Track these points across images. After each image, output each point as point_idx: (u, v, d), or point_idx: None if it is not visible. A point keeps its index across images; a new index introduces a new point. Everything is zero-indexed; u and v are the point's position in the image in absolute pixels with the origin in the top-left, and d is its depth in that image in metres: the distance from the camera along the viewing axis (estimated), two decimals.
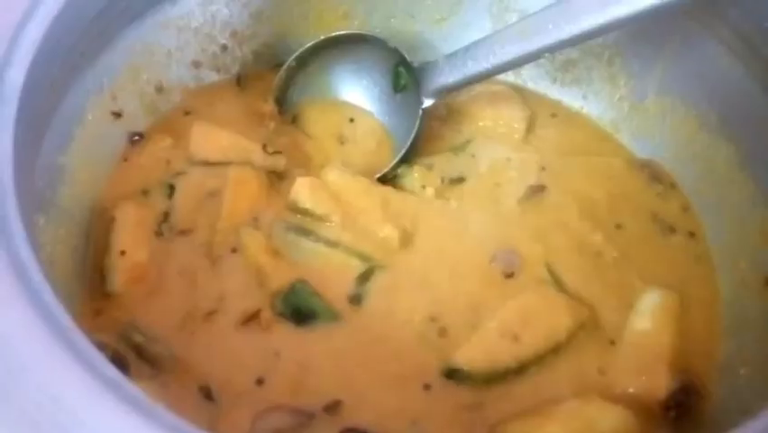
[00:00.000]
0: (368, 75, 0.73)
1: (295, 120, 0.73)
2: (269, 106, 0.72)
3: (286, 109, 0.73)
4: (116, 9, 0.62)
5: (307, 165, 0.69)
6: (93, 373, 0.34)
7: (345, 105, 0.74)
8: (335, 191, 0.63)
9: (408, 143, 0.68)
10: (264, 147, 0.67)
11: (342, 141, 0.72)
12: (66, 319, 0.36)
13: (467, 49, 0.65)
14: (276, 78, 0.72)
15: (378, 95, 0.73)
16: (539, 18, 0.59)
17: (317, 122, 0.73)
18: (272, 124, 0.72)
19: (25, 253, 0.39)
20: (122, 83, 0.66)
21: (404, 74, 0.70)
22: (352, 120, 0.73)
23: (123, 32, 0.65)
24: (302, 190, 0.62)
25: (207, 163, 0.65)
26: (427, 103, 0.68)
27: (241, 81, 0.75)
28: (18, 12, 0.50)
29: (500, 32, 0.63)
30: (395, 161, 0.67)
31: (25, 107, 0.47)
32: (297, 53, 0.71)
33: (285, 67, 0.72)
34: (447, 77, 0.66)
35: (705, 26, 0.63)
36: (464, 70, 0.65)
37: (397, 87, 0.71)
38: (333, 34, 0.71)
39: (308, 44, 0.71)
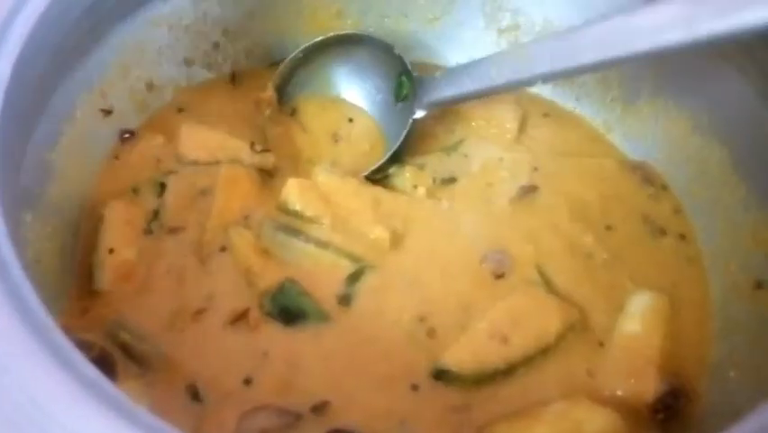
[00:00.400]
0: (372, 79, 0.73)
1: (294, 112, 0.73)
2: (269, 93, 0.72)
3: (285, 101, 0.73)
4: (106, 5, 0.61)
5: (297, 158, 0.69)
6: (73, 374, 0.33)
7: (346, 104, 0.74)
8: (325, 192, 0.62)
9: (393, 150, 0.68)
10: (252, 145, 0.67)
11: (336, 139, 0.72)
12: (46, 319, 0.35)
13: (465, 67, 0.66)
14: (280, 66, 0.72)
15: (380, 100, 0.73)
16: (539, 47, 0.59)
17: (316, 117, 0.73)
18: (268, 111, 0.72)
19: (7, 250, 0.39)
20: (112, 80, 0.66)
21: (406, 84, 0.70)
22: (350, 120, 0.73)
23: (114, 29, 0.65)
24: (292, 192, 0.62)
25: (197, 163, 0.65)
26: (419, 114, 0.68)
27: (235, 79, 0.75)
28: (5, 6, 0.50)
29: (499, 55, 0.63)
30: (378, 164, 0.67)
31: (11, 103, 0.47)
32: (304, 46, 0.72)
33: (291, 57, 0.72)
34: (443, 92, 0.67)
35: None
36: (460, 88, 0.65)
37: (398, 96, 0.70)
38: (343, 33, 0.72)
39: (317, 39, 0.72)
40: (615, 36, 0.51)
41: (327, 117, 0.73)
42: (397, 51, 0.69)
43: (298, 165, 0.68)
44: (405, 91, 0.70)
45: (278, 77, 0.72)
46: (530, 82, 0.60)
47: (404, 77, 0.70)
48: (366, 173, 0.67)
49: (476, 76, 0.63)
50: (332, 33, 0.72)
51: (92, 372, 0.34)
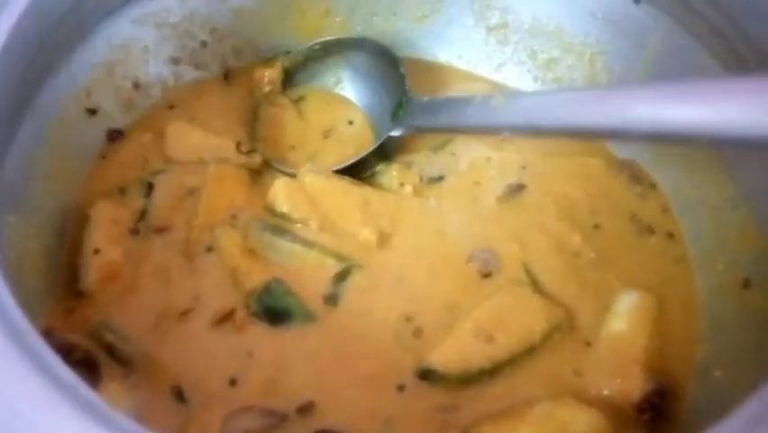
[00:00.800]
0: (380, 92, 0.73)
1: (300, 99, 0.74)
2: (275, 72, 0.73)
3: (288, 85, 0.74)
4: (90, 3, 0.61)
5: (280, 142, 0.69)
6: (51, 379, 0.33)
7: (353, 107, 0.74)
8: (312, 194, 0.62)
9: (358, 158, 0.67)
10: (238, 146, 0.66)
11: (327, 135, 0.71)
12: (23, 323, 0.35)
13: (447, 99, 0.67)
14: (293, 52, 0.73)
15: (381, 113, 0.72)
16: (517, 101, 0.59)
17: (318, 110, 0.73)
18: (268, 89, 0.72)
19: None
20: (97, 79, 0.65)
21: (405, 106, 0.69)
22: (350, 122, 0.73)
23: (99, 28, 0.64)
24: (279, 194, 0.62)
25: (184, 163, 0.65)
26: (396, 132, 0.68)
27: (228, 77, 0.75)
28: None
29: (480, 98, 0.62)
30: (341, 166, 0.66)
31: None
32: (323, 40, 0.73)
33: (307, 47, 0.73)
34: (423, 119, 0.67)
35: (685, 26, 0.62)
36: (438, 120, 0.65)
37: (395, 116, 0.69)
38: (362, 37, 0.73)
39: (340, 37, 0.74)
40: (590, 107, 0.50)
41: (329, 113, 0.73)
42: (402, 69, 0.69)
43: (281, 151, 0.68)
44: (401, 113, 0.69)
45: (290, 60, 0.73)
46: (498, 131, 0.59)
47: (404, 99, 0.69)
48: (336, 168, 0.66)
49: (453, 110, 0.63)
50: (355, 35, 0.74)
51: (70, 376, 0.33)
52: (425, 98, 0.68)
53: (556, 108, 0.53)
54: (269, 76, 0.72)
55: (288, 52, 0.74)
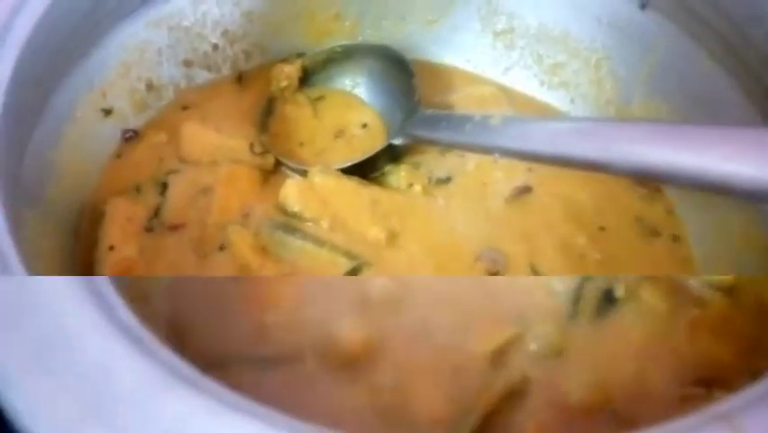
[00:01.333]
0: (395, 99, 0.73)
1: (318, 99, 0.75)
2: (294, 69, 0.73)
3: (306, 85, 0.75)
4: (107, 7, 0.62)
5: (289, 137, 0.71)
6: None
7: (371, 111, 0.75)
8: (323, 194, 0.63)
9: (358, 161, 0.67)
10: (251, 147, 0.67)
11: (338, 135, 0.72)
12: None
13: (450, 115, 0.68)
14: (317, 51, 0.75)
15: (395, 121, 0.72)
16: (518, 124, 0.59)
17: (334, 111, 0.74)
18: (285, 83, 0.73)
19: (6, 243, 0.40)
20: (112, 80, 0.66)
21: (410, 116, 0.70)
22: (365, 126, 0.73)
23: (114, 30, 0.65)
24: (291, 194, 0.63)
25: (198, 163, 0.66)
26: (398, 141, 0.68)
27: (242, 79, 0.76)
28: (6, 7, 0.51)
29: (479, 118, 0.62)
30: (341, 165, 0.67)
31: (12, 102, 0.48)
32: (346, 43, 0.75)
33: (326, 49, 0.75)
34: (423, 131, 0.67)
35: (689, 32, 0.63)
36: (437, 133, 0.66)
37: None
38: (383, 45, 0.75)
39: (359, 43, 0.76)
40: (580, 138, 0.51)
41: (345, 115, 0.74)
42: (414, 82, 0.70)
43: (289, 146, 0.70)
44: (405, 123, 0.70)
45: (310, 59, 0.74)
46: (491, 151, 0.60)
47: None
48: (343, 166, 0.66)
49: (453, 125, 0.64)
50: (365, 40, 0.76)
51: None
52: (429, 111, 0.69)
53: (548, 136, 0.54)
54: (288, 71, 0.73)
55: (300, 55, 0.76)
